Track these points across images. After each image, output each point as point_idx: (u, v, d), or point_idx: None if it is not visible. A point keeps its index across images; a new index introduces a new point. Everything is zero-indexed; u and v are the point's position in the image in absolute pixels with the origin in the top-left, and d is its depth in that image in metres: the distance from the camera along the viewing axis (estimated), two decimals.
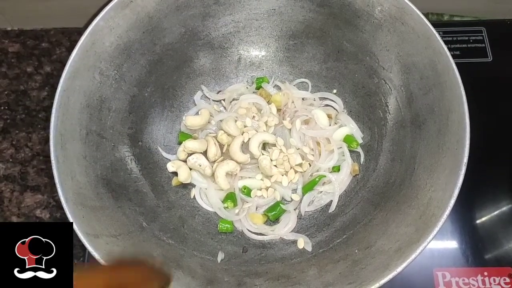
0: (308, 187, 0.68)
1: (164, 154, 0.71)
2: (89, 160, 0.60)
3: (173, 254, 0.61)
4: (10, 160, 0.80)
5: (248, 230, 0.67)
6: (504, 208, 0.73)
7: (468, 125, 0.56)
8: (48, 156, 0.56)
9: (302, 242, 0.64)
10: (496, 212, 0.73)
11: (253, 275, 0.61)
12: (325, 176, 0.68)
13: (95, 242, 0.53)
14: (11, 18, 0.89)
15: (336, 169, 0.70)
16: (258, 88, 0.75)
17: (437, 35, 0.60)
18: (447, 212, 0.53)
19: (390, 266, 0.52)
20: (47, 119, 0.58)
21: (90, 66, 0.62)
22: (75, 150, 0.59)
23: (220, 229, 0.66)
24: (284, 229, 0.66)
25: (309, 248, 0.63)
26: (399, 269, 0.51)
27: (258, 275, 0.60)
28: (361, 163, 0.70)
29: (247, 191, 0.68)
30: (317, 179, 0.68)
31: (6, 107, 0.84)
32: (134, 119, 0.68)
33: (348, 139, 0.70)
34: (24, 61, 0.88)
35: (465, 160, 0.54)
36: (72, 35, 0.90)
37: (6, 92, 0.86)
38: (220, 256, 0.63)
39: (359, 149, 0.70)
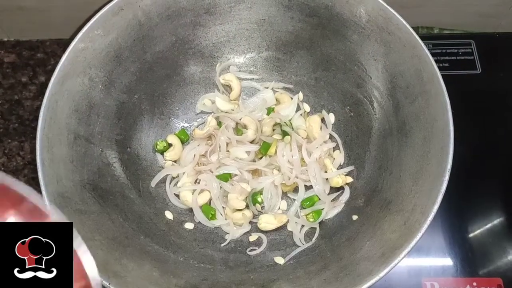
0: None
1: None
2: (76, 165, 0.60)
3: (159, 260, 0.61)
4: (2, 168, 0.80)
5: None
6: (494, 219, 0.73)
7: (452, 132, 0.56)
8: None
9: (282, 259, 0.64)
10: (486, 223, 0.73)
11: (238, 282, 0.60)
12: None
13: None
14: (7, 29, 0.90)
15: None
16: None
17: (422, 44, 0.61)
18: (431, 217, 0.53)
19: (373, 272, 0.52)
20: None
21: (80, 71, 0.63)
22: (62, 154, 0.59)
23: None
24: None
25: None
26: (382, 274, 0.51)
27: (243, 282, 0.60)
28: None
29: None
30: None
31: (0, 117, 0.85)
32: (123, 125, 0.69)
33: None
34: (19, 71, 0.89)
35: (449, 166, 0.55)
36: (67, 46, 0.91)
37: (0, 102, 0.86)
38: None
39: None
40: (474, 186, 0.74)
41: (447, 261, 0.70)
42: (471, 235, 0.72)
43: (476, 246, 0.71)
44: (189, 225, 0.68)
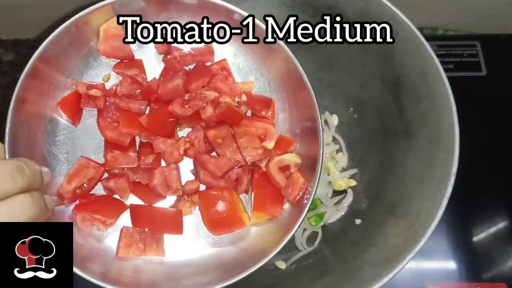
0: None
1: None
2: None
3: None
4: None
5: None
6: (498, 224, 0.72)
7: (458, 135, 0.55)
8: None
9: (283, 264, 0.63)
10: (490, 228, 0.72)
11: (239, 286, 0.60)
12: None
13: None
14: (6, 27, 0.89)
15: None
16: None
17: (427, 45, 0.60)
18: (435, 222, 0.52)
19: (377, 277, 0.51)
20: None
21: None
22: None
23: None
24: None
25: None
26: (385, 280, 0.50)
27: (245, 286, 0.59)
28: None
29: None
30: None
31: None
32: None
33: None
34: (17, 69, 0.88)
35: (454, 170, 0.54)
36: None
37: None
38: None
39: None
40: (478, 189, 0.73)
41: (451, 266, 0.69)
42: (475, 239, 0.71)
43: (481, 250, 0.70)
44: None
